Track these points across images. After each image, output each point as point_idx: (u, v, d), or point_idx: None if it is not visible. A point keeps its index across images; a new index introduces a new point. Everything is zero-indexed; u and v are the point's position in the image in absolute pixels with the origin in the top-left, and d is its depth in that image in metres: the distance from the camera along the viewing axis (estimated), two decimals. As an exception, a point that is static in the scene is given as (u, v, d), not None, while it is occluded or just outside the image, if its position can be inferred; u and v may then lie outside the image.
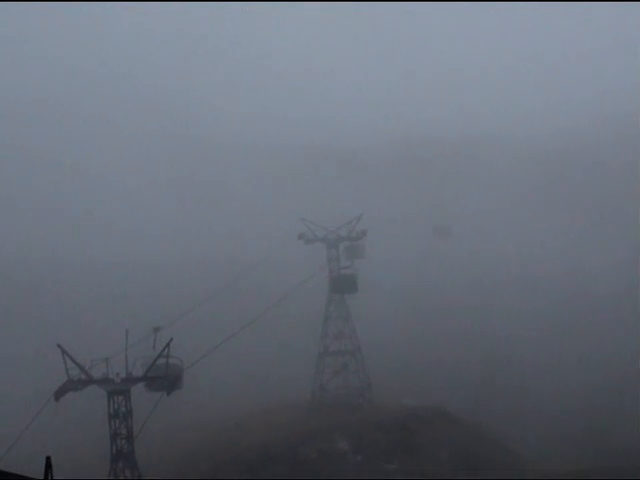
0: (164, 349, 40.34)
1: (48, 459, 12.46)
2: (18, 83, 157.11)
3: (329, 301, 73.25)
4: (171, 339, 40.27)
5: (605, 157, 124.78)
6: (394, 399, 70.69)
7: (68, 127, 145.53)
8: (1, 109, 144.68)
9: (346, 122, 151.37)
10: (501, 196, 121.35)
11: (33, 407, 38.74)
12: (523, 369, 77.49)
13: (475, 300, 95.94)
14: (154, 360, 40.68)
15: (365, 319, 75.25)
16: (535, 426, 66.81)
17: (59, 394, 40.31)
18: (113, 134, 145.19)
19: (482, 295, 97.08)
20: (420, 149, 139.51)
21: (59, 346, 40.28)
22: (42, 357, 54.59)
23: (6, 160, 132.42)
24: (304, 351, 75.56)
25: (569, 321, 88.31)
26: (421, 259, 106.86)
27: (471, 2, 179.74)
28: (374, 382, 72.05)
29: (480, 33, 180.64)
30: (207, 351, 46.07)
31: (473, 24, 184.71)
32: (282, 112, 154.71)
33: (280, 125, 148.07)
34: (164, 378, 40.90)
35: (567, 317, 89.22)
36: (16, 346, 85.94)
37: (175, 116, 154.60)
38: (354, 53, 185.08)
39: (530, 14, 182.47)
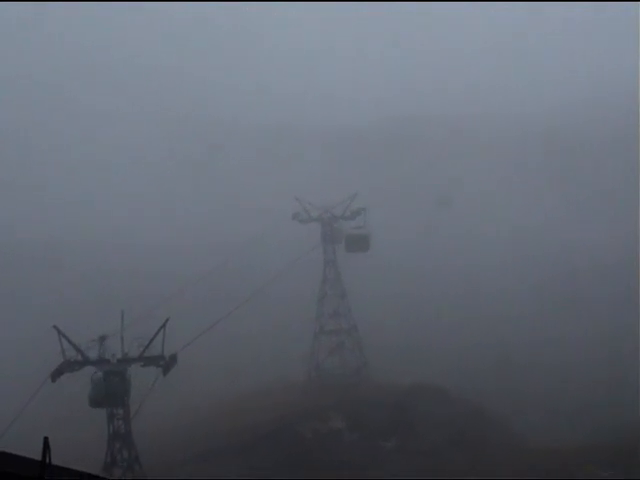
0: (160, 329, 40.33)
1: (46, 440, 12.43)
2: (22, 73, 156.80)
3: (324, 280, 73.30)
4: (167, 319, 40.24)
5: (603, 133, 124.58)
6: (390, 378, 70.81)
7: (63, 110, 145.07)
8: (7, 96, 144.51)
9: (340, 101, 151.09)
10: (499, 173, 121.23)
11: (30, 388, 38.75)
12: (521, 347, 77.57)
13: (474, 278, 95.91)
14: (150, 340, 40.69)
15: (362, 297, 75.34)
16: (533, 404, 67.00)
17: (55, 375, 40.32)
18: (107, 115, 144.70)
19: (481, 273, 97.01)
20: (415, 128, 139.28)
21: (55, 327, 40.28)
22: (38, 338, 54.55)
23: (7, 143, 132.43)
24: (300, 330, 75.57)
25: (568, 297, 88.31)
26: (419, 237, 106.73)
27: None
28: (370, 361, 72.18)
29: (475, 9, 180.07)
30: (202, 331, 46.07)
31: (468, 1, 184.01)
32: (276, 91, 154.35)
33: (274, 104, 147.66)
34: (160, 358, 40.90)
35: (566, 293, 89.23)
36: (12, 328, 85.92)
37: (168, 96, 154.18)
38: (350, 32, 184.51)
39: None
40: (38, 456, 12.41)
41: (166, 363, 40.99)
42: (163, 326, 40.21)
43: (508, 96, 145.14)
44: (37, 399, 37.75)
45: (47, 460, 12.32)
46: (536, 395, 68.61)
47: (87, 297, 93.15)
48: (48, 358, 41.27)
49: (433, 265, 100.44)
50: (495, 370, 73.30)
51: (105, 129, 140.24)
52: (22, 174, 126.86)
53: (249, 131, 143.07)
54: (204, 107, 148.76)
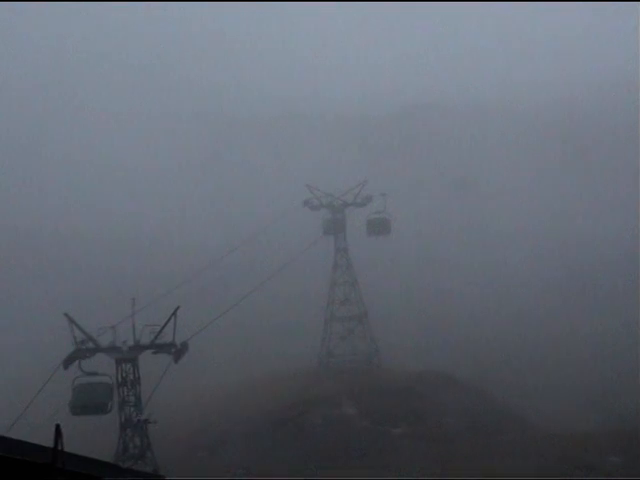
0: (171, 316, 40.47)
1: (58, 427, 12.55)
2: (25, 74, 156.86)
3: (335, 267, 73.54)
4: (178, 307, 40.37)
5: (620, 121, 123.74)
6: (401, 365, 70.96)
7: (71, 109, 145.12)
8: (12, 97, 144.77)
9: (354, 90, 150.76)
10: (514, 162, 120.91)
11: (42, 376, 38.95)
12: (533, 337, 77.61)
13: (488, 267, 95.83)
14: (161, 328, 40.87)
15: (374, 284, 75.61)
16: (544, 394, 67.04)
17: (67, 362, 40.53)
18: (110, 112, 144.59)
19: (495, 263, 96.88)
20: (428, 117, 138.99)
21: (66, 315, 40.47)
22: (50, 326, 54.81)
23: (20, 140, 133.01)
24: (311, 318, 75.75)
25: (581, 289, 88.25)
26: (433, 225, 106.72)
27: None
28: (381, 348, 72.37)
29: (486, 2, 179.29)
30: (213, 318, 46.20)
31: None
32: (290, 80, 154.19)
33: (286, 94, 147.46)
34: (171, 345, 41.08)
35: (579, 285, 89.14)
36: (24, 316, 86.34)
37: (173, 89, 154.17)
38: (363, 23, 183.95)
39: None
40: (50, 443, 12.53)
41: (177, 351, 41.16)
42: (174, 313, 40.35)
43: (524, 86, 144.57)
44: (49, 387, 37.94)
45: (59, 447, 12.44)
46: (547, 384, 68.64)
47: (98, 285, 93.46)
48: (60, 346, 41.50)
49: (447, 254, 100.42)
50: (506, 359, 73.38)
51: (109, 125, 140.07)
52: (39, 169, 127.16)
53: (261, 121, 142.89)
54: (211, 97, 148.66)
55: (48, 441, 12.71)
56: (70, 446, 12.95)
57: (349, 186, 73.10)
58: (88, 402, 39.47)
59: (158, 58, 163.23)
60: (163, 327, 40.89)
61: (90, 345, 40.93)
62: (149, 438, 40.99)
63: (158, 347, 41.17)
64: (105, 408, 39.96)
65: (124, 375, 40.65)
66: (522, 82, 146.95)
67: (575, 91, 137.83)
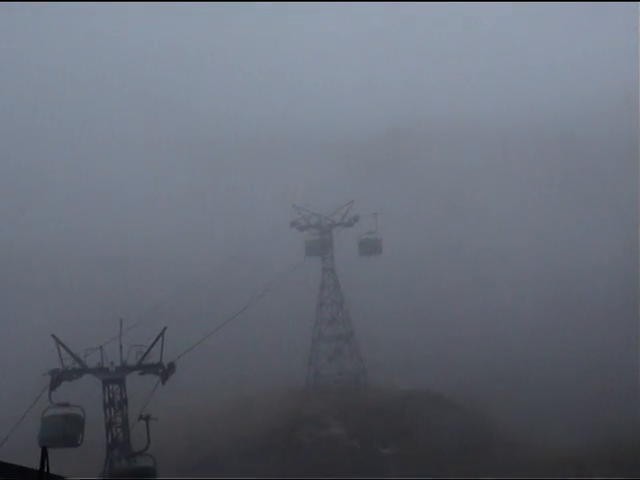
0: (158, 337, 40.35)
1: (44, 449, 12.44)
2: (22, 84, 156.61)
3: (322, 287, 73.66)
4: (165, 327, 40.26)
5: (611, 144, 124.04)
6: (389, 384, 70.88)
7: (62, 124, 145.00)
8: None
9: (340, 112, 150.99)
10: (502, 183, 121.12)
11: (28, 397, 38.71)
12: (522, 358, 77.55)
13: (475, 288, 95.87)
14: (148, 349, 40.71)
15: (362, 304, 75.66)
16: (531, 413, 66.95)
17: (54, 384, 40.31)
18: (102, 127, 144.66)
19: (482, 282, 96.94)
20: (414, 137, 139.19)
21: (53, 336, 40.30)
22: (36, 347, 54.55)
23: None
24: (298, 337, 75.68)
25: (569, 303, 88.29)
26: (421, 244, 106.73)
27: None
28: (369, 367, 72.32)
29: (473, 19, 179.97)
30: (200, 338, 46.09)
31: (465, 11, 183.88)
32: (275, 99, 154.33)
33: (273, 113, 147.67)
34: (158, 366, 40.92)
35: (568, 304, 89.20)
36: (9, 337, 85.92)
37: (161, 108, 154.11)
38: (348, 46, 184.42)
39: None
40: (36, 466, 12.44)
41: (164, 371, 40.98)
42: (161, 334, 40.23)
43: (512, 107, 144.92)
44: (36, 408, 37.70)
45: (45, 469, 12.35)
46: (537, 403, 68.58)
47: (86, 306, 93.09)
48: (46, 367, 41.25)
49: (435, 273, 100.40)
50: (495, 378, 73.34)
51: (94, 146, 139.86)
52: (25, 187, 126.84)
53: (247, 141, 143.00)
54: (198, 120, 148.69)
55: (34, 463, 12.63)
56: (57, 468, 12.85)
57: (336, 206, 73.38)
58: (58, 435, 38.06)
59: (144, 81, 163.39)
60: (150, 348, 40.74)
61: (77, 366, 40.75)
62: (136, 459, 40.73)
63: (145, 368, 41.00)
64: (75, 441, 38.86)
65: (111, 396, 40.46)
66: (511, 103, 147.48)
67: (565, 112, 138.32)
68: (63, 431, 38.22)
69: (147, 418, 39.75)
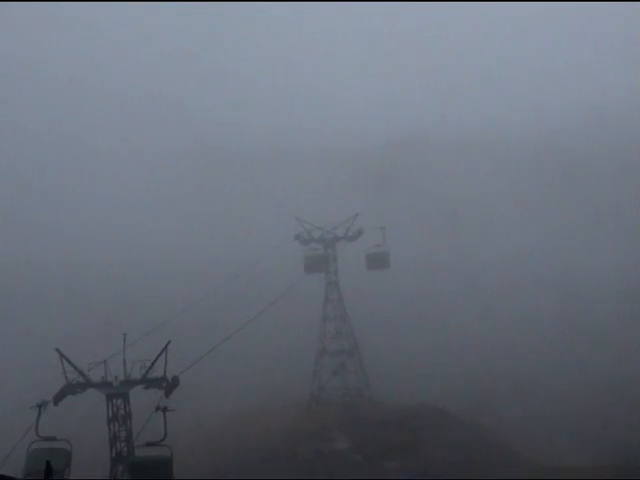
0: (162, 351, 40.30)
1: (48, 463, 12.49)
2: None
3: (326, 301, 73.61)
4: (169, 341, 40.20)
5: (611, 155, 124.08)
6: (393, 398, 70.77)
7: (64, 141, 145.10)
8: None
9: (343, 123, 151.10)
10: (503, 194, 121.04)
11: (33, 412, 38.68)
12: (525, 369, 77.38)
13: (478, 301, 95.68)
14: (152, 363, 40.65)
15: (365, 318, 75.66)
16: (535, 426, 66.78)
17: (58, 398, 40.25)
18: (107, 135, 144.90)
19: (484, 297, 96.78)
20: (416, 149, 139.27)
21: (57, 350, 40.26)
22: (40, 361, 54.56)
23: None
24: (302, 352, 75.61)
25: (573, 321, 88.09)
26: (423, 257, 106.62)
27: (470, 2, 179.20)
28: (373, 382, 72.20)
29: (478, 31, 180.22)
30: (204, 353, 46.04)
31: (469, 22, 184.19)
32: (277, 115, 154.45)
33: (275, 127, 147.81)
34: (162, 380, 40.86)
35: (572, 316, 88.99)
36: (13, 351, 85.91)
37: (167, 118, 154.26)
38: (353, 56, 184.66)
39: (529, 12, 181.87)
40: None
41: (168, 385, 40.95)
42: (165, 348, 40.18)
43: (513, 119, 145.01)
44: (40, 422, 37.65)
45: (50, 484, 12.38)
46: (542, 417, 68.40)
47: (89, 320, 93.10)
48: (50, 381, 41.24)
49: (439, 286, 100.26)
50: (500, 392, 73.16)
51: (97, 157, 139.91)
52: (29, 199, 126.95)
53: (250, 154, 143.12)
54: (201, 131, 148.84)
55: (39, 477, 12.64)
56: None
57: (339, 218, 73.43)
58: (42, 469, 37.66)
59: (152, 91, 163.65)
60: (154, 362, 40.68)
61: (81, 380, 40.72)
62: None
63: (149, 382, 40.95)
64: (61, 476, 38.74)
65: (115, 410, 40.41)
66: (511, 115, 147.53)
67: (566, 122, 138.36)
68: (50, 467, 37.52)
69: (165, 409, 39.75)
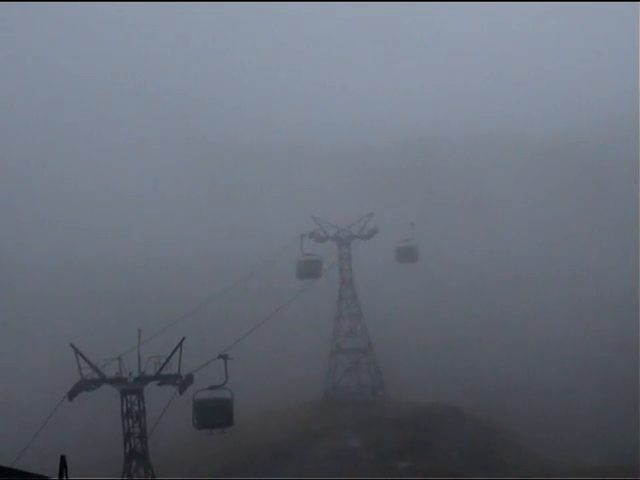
0: (177, 348, 40.35)
1: (63, 458, 12.49)
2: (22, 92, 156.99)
3: (340, 299, 73.53)
4: (183, 338, 40.23)
5: (617, 155, 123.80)
6: (407, 397, 70.68)
7: (74, 135, 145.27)
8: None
9: (359, 122, 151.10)
10: (521, 191, 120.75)
11: (47, 407, 38.83)
12: (537, 369, 77.20)
13: (488, 300, 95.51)
14: (166, 359, 40.71)
15: (380, 316, 75.68)
16: (548, 425, 66.62)
17: (72, 394, 40.37)
18: (114, 133, 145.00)
19: (496, 296, 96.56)
20: (431, 148, 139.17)
21: (72, 346, 40.35)
22: (55, 357, 54.72)
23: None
24: (316, 349, 75.61)
25: (588, 318, 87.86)
26: (438, 255, 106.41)
27: (477, 2, 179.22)
28: (387, 380, 72.11)
29: (487, 32, 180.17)
30: (218, 352, 46.04)
31: (479, 22, 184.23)
32: (294, 111, 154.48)
33: (292, 125, 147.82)
34: (176, 377, 40.93)
35: (586, 314, 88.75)
36: (29, 347, 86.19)
37: (180, 116, 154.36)
38: (368, 55, 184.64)
39: (536, 12, 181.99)
40: (55, 474, 12.47)
41: (182, 382, 41.01)
42: (180, 345, 40.22)
43: (529, 117, 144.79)
44: (54, 418, 37.80)
45: (64, 479, 12.38)
46: (558, 416, 68.21)
47: (104, 316, 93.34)
48: (65, 377, 41.37)
49: (451, 285, 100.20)
50: (514, 391, 72.98)
51: (111, 152, 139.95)
52: (35, 196, 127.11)
53: (265, 152, 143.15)
54: (217, 128, 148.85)
55: (53, 472, 12.66)
56: (75, 477, 12.87)
57: (353, 215, 73.54)
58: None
59: (161, 86, 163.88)
60: (168, 358, 40.73)
61: (95, 376, 40.81)
62: (153, 469, 40.78)
63: (163, 378, 41.01)
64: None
65: (129, 406, 40.50)
66: (527, 113, 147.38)
67: (580, 120, 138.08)
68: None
69: (225, 357, 41.34)
